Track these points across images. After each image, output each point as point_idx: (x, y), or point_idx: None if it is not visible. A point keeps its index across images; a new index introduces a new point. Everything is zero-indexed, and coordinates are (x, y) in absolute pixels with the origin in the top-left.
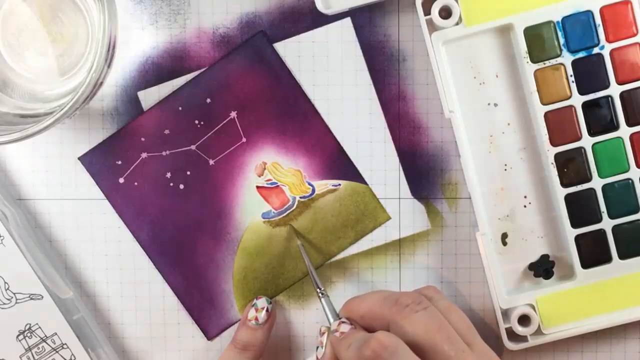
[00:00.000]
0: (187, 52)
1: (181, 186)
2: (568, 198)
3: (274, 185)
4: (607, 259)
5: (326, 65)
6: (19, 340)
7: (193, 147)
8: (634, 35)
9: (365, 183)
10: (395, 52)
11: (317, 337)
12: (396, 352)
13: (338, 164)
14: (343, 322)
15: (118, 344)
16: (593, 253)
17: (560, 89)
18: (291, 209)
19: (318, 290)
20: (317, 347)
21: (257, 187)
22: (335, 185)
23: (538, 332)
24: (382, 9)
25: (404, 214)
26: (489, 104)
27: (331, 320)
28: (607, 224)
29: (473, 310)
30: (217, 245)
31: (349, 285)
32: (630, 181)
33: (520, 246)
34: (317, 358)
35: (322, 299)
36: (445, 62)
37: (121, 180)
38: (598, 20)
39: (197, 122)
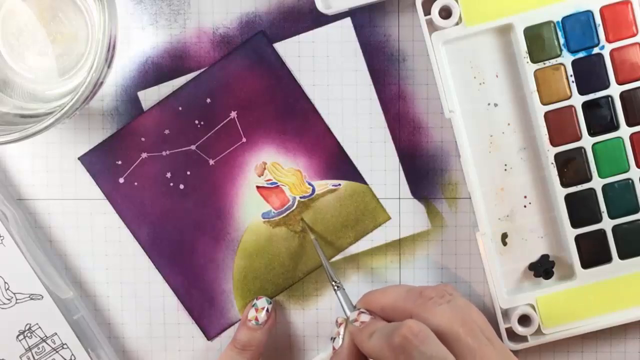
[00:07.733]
0: (187, 52)
1: (181, 186)
2: (568, 198)
3: (274, 185)
4: (607, 259)
5: (326, 65)
6: (19, 340)
7: (193, 147)
8: (634, 35)
9: (365, 183)
10: (395, 52)
11: (331, 329)
12: (427, 339)
13: (338, 164)
14: (362, 312)
15: (118, 344)
16: (593, 253)
17: (560, 89)
18: (291, 209)
19: (333, 283)
20: (334, 339)
21: (257, 187)
22: (335, 185)
23: (538, 332)
24: (382, 9)
25: (404, 214)
26: (489, 104)
27: (348, 312)
28: (607, 224)
29: None
30: (217, 245)
31: (348, 285)
32: (630, 181)
33: (520, 246)
34: (333, 349)
35: (338, 292)
36: (445, 62)
37: (121, 180)
38: (598, 20)
39: (197, 122)
